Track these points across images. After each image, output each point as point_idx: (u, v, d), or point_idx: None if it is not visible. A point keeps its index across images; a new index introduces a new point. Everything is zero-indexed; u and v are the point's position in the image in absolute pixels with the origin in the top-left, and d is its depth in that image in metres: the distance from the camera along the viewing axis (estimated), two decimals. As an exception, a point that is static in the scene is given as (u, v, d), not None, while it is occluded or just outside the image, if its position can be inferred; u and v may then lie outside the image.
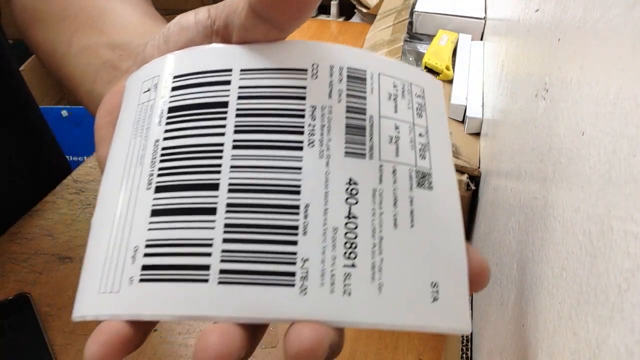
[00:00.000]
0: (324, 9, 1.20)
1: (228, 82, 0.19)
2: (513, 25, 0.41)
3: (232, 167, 0.17)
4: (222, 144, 0.18)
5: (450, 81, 0.57)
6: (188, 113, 0.19)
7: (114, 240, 0.18)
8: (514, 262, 0.26)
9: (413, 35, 0.68)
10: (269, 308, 0.16)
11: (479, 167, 0.46)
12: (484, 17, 0.66)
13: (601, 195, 0.14)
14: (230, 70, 0.19)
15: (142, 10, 0.30)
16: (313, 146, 0.18)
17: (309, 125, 0.18)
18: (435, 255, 0.18)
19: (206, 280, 0.16)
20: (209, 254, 0.16)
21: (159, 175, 0.18)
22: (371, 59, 0.20)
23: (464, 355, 0.35)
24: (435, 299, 0.17)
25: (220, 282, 0.16)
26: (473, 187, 0.46)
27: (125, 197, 0.19)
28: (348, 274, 0.16)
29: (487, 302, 0.33)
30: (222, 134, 0.18)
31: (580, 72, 0.19)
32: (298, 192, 0.17)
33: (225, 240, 0.16)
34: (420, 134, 0.19)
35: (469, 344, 0.36)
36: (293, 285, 0.16)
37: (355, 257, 0.17)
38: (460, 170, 0.46)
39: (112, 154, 0.21)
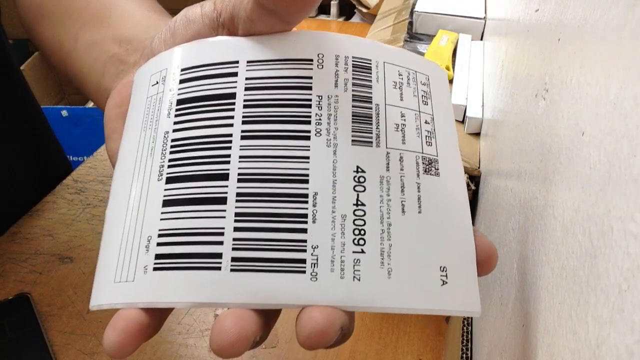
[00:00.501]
0: (324, 9, 1.20)
1: (235, 74, 0.19)
2: (513, 25, 0.41)
3: (241, 157, 0.18)
4: (230, 135, 0.18)
5: (450, 81, 0.57)
6: (196, 105, 0.19)
7: (128, 231, 0.18)
8: (514, 262, 0.26)
9: (413, 35, 0.68)
10: (281, 294, 0.16)
11: (479, 167, 0.46)
12: (484, 17, 0.66)
13: (601, 195, 0.14)
14: (237, 62, 0.19)
15: (147, 5, 0.31)
16: (320, 135, 0.18)
17: (316, 114, 0.18)
18: (443, 239, 0.18)
19: (219, 268, 0.17)
20: (220, 243, 0.17)
21: (170, 166, 0.18)
22: (376, 48, 0.20)
23: (464, 355, 0.35)
24: (444, 282, 0.17)
25: (232, 270, 0.16)
26: (473, 187, 0.46)
27: (137, 189, 0.19)
28: (357, 260, 0.17)
29: (487, 302, 0.33)
30: (231, 125, 0.18)
31: (580, 72, 0.19)
32: (306, 181, 0.17)
33: (236, 229, 0.17)
34: (426, 122, 0.20)
35: (469, 344, 0.36)
36: (304, 271, 0.16)
37: (364, 244, 0.17)
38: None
39: (123, 147, 0.21)
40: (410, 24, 0.69)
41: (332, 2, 1.15)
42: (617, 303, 0.12)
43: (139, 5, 0.30)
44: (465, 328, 0.37)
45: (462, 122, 0.53)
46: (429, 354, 0.41)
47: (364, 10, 0.96)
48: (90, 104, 1.28)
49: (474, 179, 0.46)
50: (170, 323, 0.42)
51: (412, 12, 0.69)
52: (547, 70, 0.25)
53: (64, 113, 1.08)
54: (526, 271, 0.23)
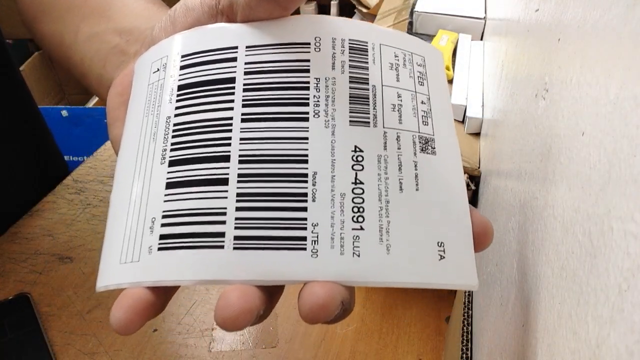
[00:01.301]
0: (324, 9, 1.20)
1: (234, 59, 0.19)
2: (513, 25, 0.41)
3: (241, 139, 0.18)
4: (231, 118, 0.18)
5: (450, 81, 0.57)
6: (197, 90, 0.19)
7: (132, 213, 0.19)
8: (514, 262, 0.26)
9: (413, 35, 0.68)
10: (282, 271, 0.17)
11: (479, 167, 0.46)
12: (484, 17, 0.66)
13: (601, 195, 0.14)
14: (236, 47, 0.19)
15: None
16: (318, 117, 0.18)
17: (314, 96, 0.18)
18: (440, 216, 0.18)
19: (222, 247, 0.17)
20: (223, 222, 0.17)
21: (172, 149, 0.19)
22: (372, 30, 0.20)
23: (464, 355, 0.35)
24: (442, 257, 0.18)
25: (235, 248, 0.17)
26: (473, 187, 0.46)
27: (140, 172, 0.19)
28: (357, 237, 0.17)
29: (487, 302, 0.33)
30: (231, 109, 0.19)
31: (580, 72, 0.19)
32: (306, 161, 0.18)
33: (238, 209, 0.17)
34: (422, 102, 0.20)
35: (469, 344, 0.36)
36: (305, 248, 0.17)
37: (363, 221, 0.17)
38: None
39: (125, 132, 0.21)
40: (410, 24, 0.69)
41: (332, 2, 1.15)
42: (617, 303, 0.12)
43: None
44: (465, 328, 0.37)
45: (462, 122, 0.53)
46: (429, 354, 0.41)
47: (364, 10, 0.96)
48: (91, 104, 1.28)
49: (474, 179, 0.46)
50: (170, 323, 0.42)
51: (412, 12, 0.69)
52: (547, 70, 0.25)
53: (64, 113, 1.08)
54: (526, 271, 0.23)
